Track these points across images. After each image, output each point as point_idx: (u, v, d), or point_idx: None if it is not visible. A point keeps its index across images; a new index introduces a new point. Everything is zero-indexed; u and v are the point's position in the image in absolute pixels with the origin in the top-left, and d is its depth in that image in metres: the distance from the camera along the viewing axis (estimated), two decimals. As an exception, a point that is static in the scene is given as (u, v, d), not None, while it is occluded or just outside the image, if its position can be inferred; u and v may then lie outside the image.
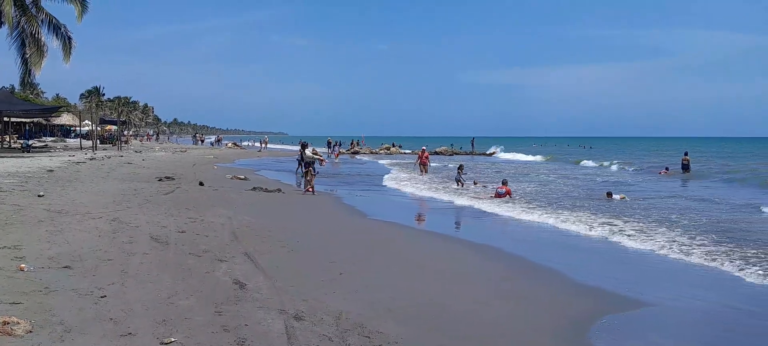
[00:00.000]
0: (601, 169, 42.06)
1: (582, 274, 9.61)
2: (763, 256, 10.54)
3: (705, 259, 10.46)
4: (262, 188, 20.14)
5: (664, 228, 13.69)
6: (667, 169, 36.81)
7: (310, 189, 20.87)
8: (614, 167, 43.53)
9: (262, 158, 48.81)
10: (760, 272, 9.40)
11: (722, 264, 10.03)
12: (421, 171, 31.31)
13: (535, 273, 9.71)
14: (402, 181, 27.93)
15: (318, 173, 21.85)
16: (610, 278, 9.41)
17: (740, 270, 9.61)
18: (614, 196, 20.54)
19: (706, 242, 11.97)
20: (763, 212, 16.58)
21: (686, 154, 37.34)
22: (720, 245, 11.58)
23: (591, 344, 6.39)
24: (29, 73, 33.89)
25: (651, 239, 12.30)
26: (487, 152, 66.42)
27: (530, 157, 59.61)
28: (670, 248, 11.37)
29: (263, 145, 75.12)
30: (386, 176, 30.50)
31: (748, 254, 10.65)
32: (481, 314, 7.11)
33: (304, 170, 22.87)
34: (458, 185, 24.20)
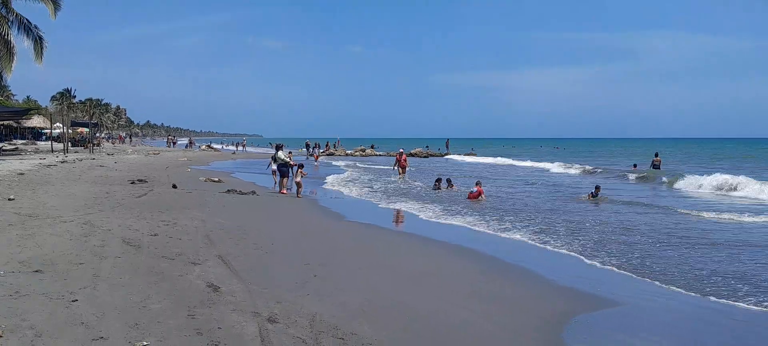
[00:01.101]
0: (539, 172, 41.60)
1: (554, 273, 9.79)
2: (717, 261, 10.90)
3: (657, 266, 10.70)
4: (236, 191, 20.06)
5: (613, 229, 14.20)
6: (635, 166, 38.12)
7: (285, 192, 20.93)
8: (556, 169, 43.34)
9: (237, 161, 48.54)
10: (722, 277, 9.76)
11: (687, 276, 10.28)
12: (400, 174, 31.20)
13: (508, 273, 9.85)
14: (344, 183, 27.98)
15: (289, 176, 21.84)
16: (580, 278, 9.55)
17: (700, 282, 9.83)
18: (601, 193, 21.30)
19: (655, 243, 12.54)
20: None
21: (657, 155, 38.07)
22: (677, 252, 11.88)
23: (565, 344, 6.50)
24: (0, 77, 33.36)
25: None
26: (442, 154, 66.83)
27: (483, 159, 59.93)
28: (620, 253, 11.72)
29: (241, 148, 74.70)
30: (329, 178, 30.22)
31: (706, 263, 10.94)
32: (454, 314, 7.19)
33: (275, 171, 23.25)
34: (436, 190, 24.26)
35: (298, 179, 20.65)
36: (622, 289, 8.90)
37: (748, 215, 16.80)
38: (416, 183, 27.72)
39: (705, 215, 17.04)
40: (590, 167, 42.20)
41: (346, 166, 43.35)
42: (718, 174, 28.62)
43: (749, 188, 24.57)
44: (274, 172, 24.94)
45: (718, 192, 25.23)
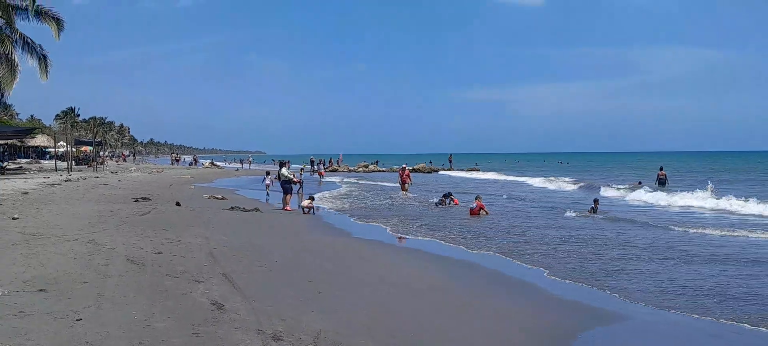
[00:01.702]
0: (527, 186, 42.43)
1: (555, 288, 9.78)
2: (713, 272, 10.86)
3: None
4: (239, 208, 20.09)
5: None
6: (640, 183, 37.55)
7: (288, 208, 20.99)
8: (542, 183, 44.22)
9: (240, 178, 48.64)
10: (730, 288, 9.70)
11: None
12: (403, 190, 30.90)
13: (512, 287, 9.90)
14: (333, 199, 28.05)
15: (294, 192, 22.01)
16: (584, 292, 9.52)
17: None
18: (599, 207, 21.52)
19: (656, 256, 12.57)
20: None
21: (662, 169, 37.77)
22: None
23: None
24: (1, 95, 33.59)
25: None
26: (436, 169, 66.89)
27: (486, 175, 60.09)
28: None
29: (247, 165, 74.96)
30: (318, 194, 29.99)
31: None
32: (456, 329, 7.18)
33: (269, 185, 24.10)
34: (440, 206, 24.17)
35: (305, 203, 20.78)
36: (622, 306, 8.87)
37: (747, 230, 16.65)
38: (418, 199, 27.68)
39: (692, 230, 16.86)
40: (575, 181, 43.13)
41: (343, 182, 43.75)
42: (697, 191, 28.40)
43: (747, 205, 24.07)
44: (267, 186, 25.77)
45: (711, 207, 24.64)
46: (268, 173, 27.61)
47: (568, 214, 21.09)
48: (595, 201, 21.87)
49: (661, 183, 35.73)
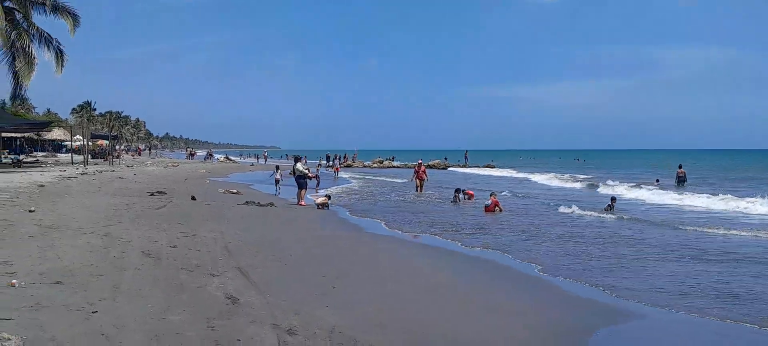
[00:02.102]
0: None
1: (569, 286, 9.68)
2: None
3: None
4: (254, 202, 20.13)
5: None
6: (657, 180, 37.16)
7: (303, 203, 21.01)
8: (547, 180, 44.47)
9: (255, 172, 48.77)
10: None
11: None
12: (418, 187, 30.37)
13: (518, 282, 9.90)
14: (346, 195, 28.02)
15: (312, 188, 22.08)
16: (598, 289, 9.41)
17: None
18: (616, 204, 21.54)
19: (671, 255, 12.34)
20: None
21: (681, 167, 37.39)
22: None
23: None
24: (20, 87, 33.92)
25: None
26: (446, 166, 66.47)
27: (492, 171, 60.11)
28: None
29: (262, 160, 75.26)
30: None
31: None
32: (471, 327, 7.11)
33: (278, 180, 26.09)
34: (455, 202, 24.07)
35: (320, 200, 20.86)
36: (629, 306, 8.75)
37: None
38: (432, 196, 27.51)
39: (700, 229, 16.60)
40: (584, 178, 43.60)
41: (353, 177, 44.02)
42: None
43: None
44: (276, 180, 26.36)
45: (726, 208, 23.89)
46: (277, 168, 28.04)
47: (561, 209, 21.49)
48: (613, 199, 21.75)
49: (681, 181, 35.39)
